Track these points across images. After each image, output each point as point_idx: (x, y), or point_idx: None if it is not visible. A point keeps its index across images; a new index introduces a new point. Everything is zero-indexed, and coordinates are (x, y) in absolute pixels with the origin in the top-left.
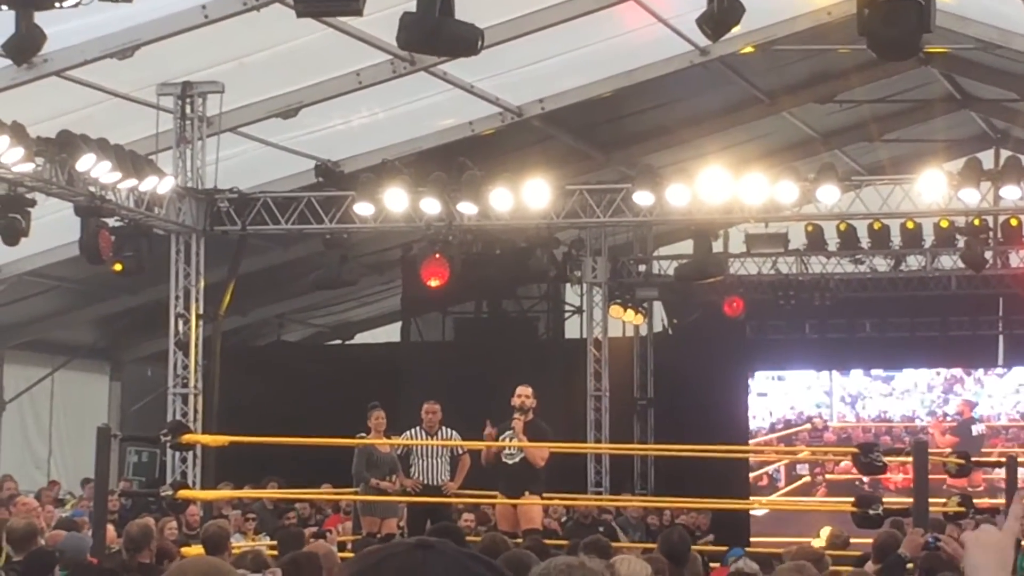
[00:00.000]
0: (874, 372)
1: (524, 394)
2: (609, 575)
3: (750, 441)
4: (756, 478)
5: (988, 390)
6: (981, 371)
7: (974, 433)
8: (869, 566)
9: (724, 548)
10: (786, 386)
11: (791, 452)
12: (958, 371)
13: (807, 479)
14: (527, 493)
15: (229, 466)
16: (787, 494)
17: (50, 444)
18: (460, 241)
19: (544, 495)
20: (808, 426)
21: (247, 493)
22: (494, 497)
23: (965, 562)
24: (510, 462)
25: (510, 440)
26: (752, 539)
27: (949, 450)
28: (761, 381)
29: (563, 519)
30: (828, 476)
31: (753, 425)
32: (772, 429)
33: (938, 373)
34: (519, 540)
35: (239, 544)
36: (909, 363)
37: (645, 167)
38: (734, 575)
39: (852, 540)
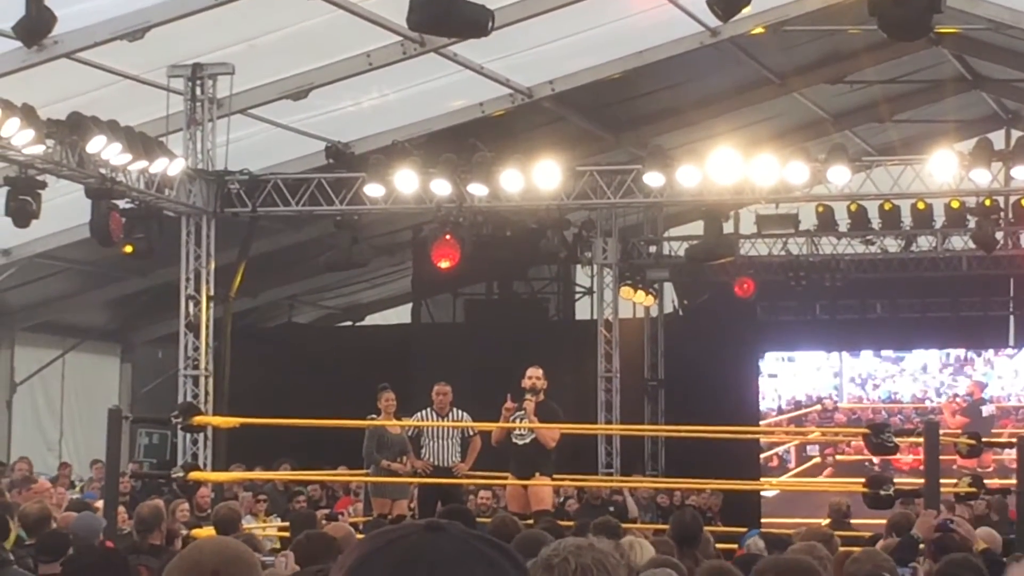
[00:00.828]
0: (884, 353)
1: (535, 375)
2: (619, 556)
3: (760, 422)
4: (766, 459)
5: (998, 371)
6: (991, 352)
7: (984, 414)
8: (881, 544)
9: (733, 529)
10: (796, 367)
11: (802, 432)
12: (969, 352)
13: (817, 460)
14: (537, 474)
15: (240, 448)
16: (797, 475)
17: (61, 426)
18: (470, 222)
19: (554, 476)
20: (818, 407)
21: (258, 475)
22: (505, 478)
23: None
24: (520, 443)
25: (521, 421)
26: (763, 520)
27: (960, 431)
28: (771, 362)
29: (565, 500)
30: (838, 457)
31: (763, 406)
32: (780, 411)
33: (948, 354)
34: (529, 521)
35: (250, 526)
36: (920, 344)
37: (655, 148)
38: (746, 557)
39: (861, 521)
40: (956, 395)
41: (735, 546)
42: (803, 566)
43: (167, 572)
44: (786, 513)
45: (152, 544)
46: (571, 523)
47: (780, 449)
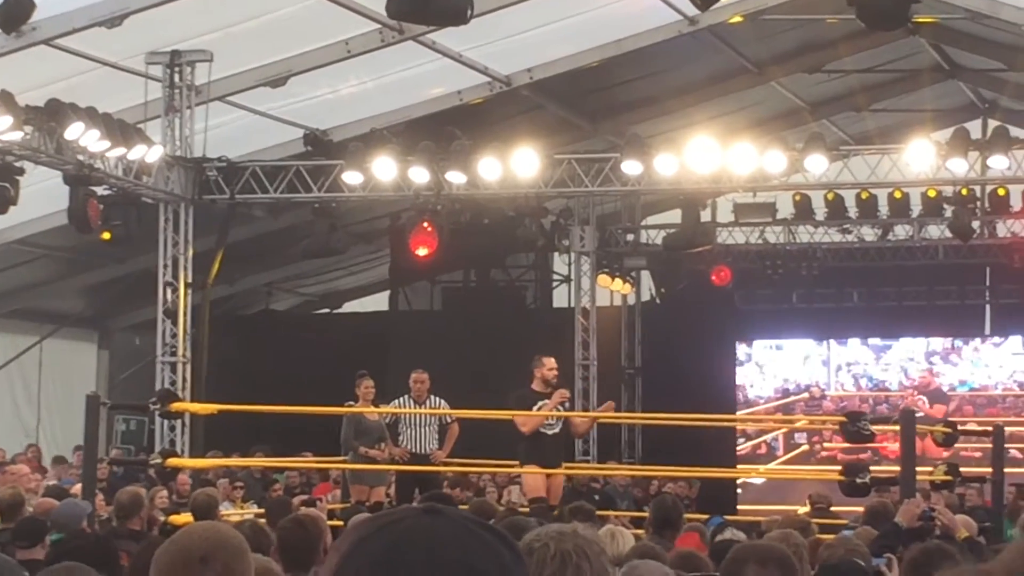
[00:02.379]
0: (871, 342)
1: (554, 366)
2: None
3: (748, 410)
4: (755, 447)
5: (985, 359)
6: (978, 340)
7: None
8: (861, 532)
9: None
10: (784, 355)
11: (781, 421)
12: (956, 340)
13: (805, 447)
14: (563, 464)
15: (217, 434)
16: (785, 463)
17: (39, 412)
18: (448, 210)
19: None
20: (806, 395)
21: (236, 462)
22: (483, 466)
23: None
24: (550, 432)
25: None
26: (745, 507)
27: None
28: (759, 350)
29: None
30: (826, 444)
31: (752, 394)
32: (745, 403)
33: (933, 342)
34: (524, 508)
35: (228, 512)
36: (896, 333)
37: (633, 136)
38: (720, 543)
39: (837, 508)
40: (914, 387)
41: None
42: (779, 553)
43: (156, 558)
44: (771, 500)
45: (132, 529)
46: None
47: (768, 437)
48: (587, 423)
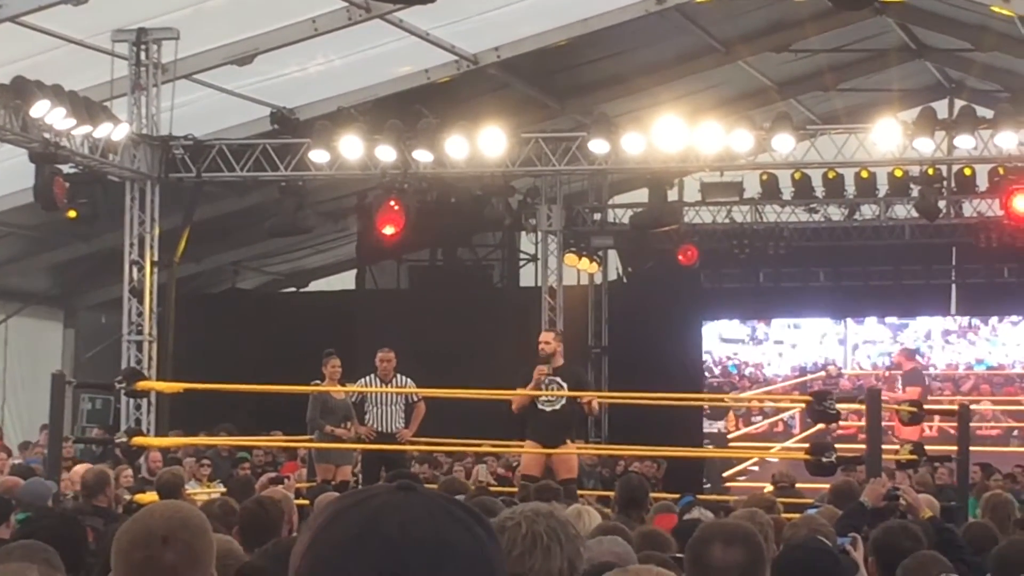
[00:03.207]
0: (888, 320)
1: (544, 340)
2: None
3: (764, 388)
4: (771, 425)
5: (1002, 338)
6: (996, 319)
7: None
8: (826, 511)
9: (677, 496)
10: (802, 334)
11: (746, 399)
12: (974, 319)
13: (822, 426)
14: (567, 442)
15: (183, 413)
16: (800, 441)
17: (3, 391)
18: (415, 189)
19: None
20: (822, 373)
21: (201, 440)
22: (449, 445)
23: None
24: (548, 409)
25: (548, 387)
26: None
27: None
28: (778, 329)
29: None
30: (842, 423)
31: (769, 372)
32: (763, 381)
33: (954, 319)
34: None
35: (195, 491)
36: (863, 312)
37: (601, 115)
38: (686, 523)
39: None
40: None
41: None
42: (745, 532)
43: (117, 537)
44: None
45: (98, 506)
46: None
47: (785, 415)
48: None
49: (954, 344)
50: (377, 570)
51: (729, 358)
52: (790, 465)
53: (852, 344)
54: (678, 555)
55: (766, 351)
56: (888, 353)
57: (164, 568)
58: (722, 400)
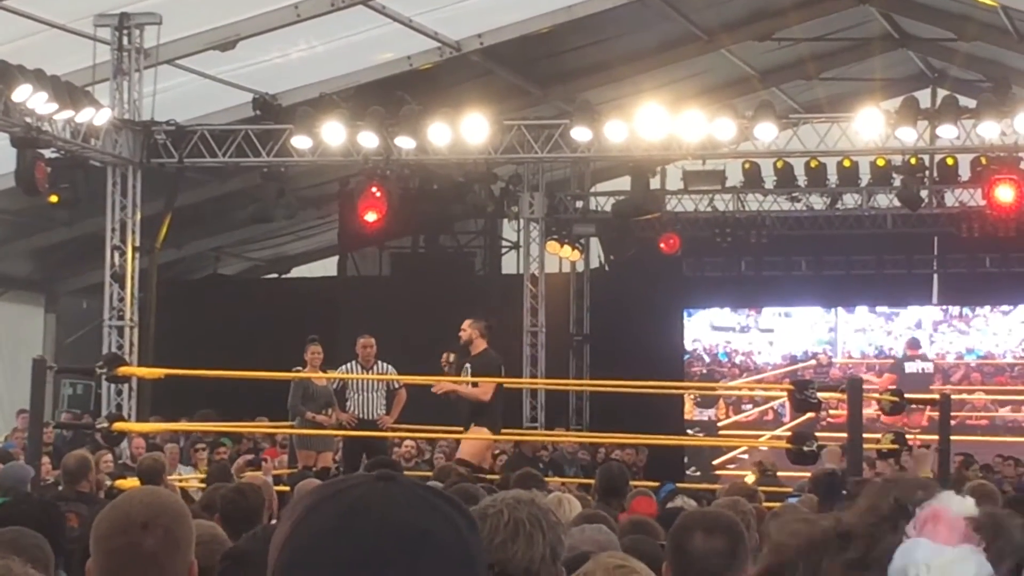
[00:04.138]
0: (879, 309)
1: (462, 328)
2: (557, 516)
3: (755, 377)
4: (761, 413)
5: (993, 327)
6: (988, 308)
7: (906, 371)
8: (806, 499)
9: (658, 484)
10: (792, 323)
11: (727, 388)
12: (965, 308)
13: (811, 414)
14: (473, 426)
15: (164, 399)
16: (791, 429)
17: None
18: (397, 176)
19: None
20: (813, 362)
21: (184, 426)
22: (430, 432)
23: None
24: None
25: (461, 374)
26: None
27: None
28: (768, 318)
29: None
30: (832, 412)
31: (759, 361)
32: (754, 369)
33: (944, 310)
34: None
35: (187, 477)
36: (845, 301)
37: (583, 103)
38: (670, 511)
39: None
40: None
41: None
42: (727, 520)
43: (96, 523)
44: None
45: (80, 492)
46: (496, 476)
47: (776, 403)
48: (480, 389)
49: (945, 334)
50: (357, 561)
51: (720, 346)
52: (776, 453)
53: (843, 333)
54: (663, 543)
55: (755, 340)
56: (880, 346)
57: (144, 554)
58: (711, 388)
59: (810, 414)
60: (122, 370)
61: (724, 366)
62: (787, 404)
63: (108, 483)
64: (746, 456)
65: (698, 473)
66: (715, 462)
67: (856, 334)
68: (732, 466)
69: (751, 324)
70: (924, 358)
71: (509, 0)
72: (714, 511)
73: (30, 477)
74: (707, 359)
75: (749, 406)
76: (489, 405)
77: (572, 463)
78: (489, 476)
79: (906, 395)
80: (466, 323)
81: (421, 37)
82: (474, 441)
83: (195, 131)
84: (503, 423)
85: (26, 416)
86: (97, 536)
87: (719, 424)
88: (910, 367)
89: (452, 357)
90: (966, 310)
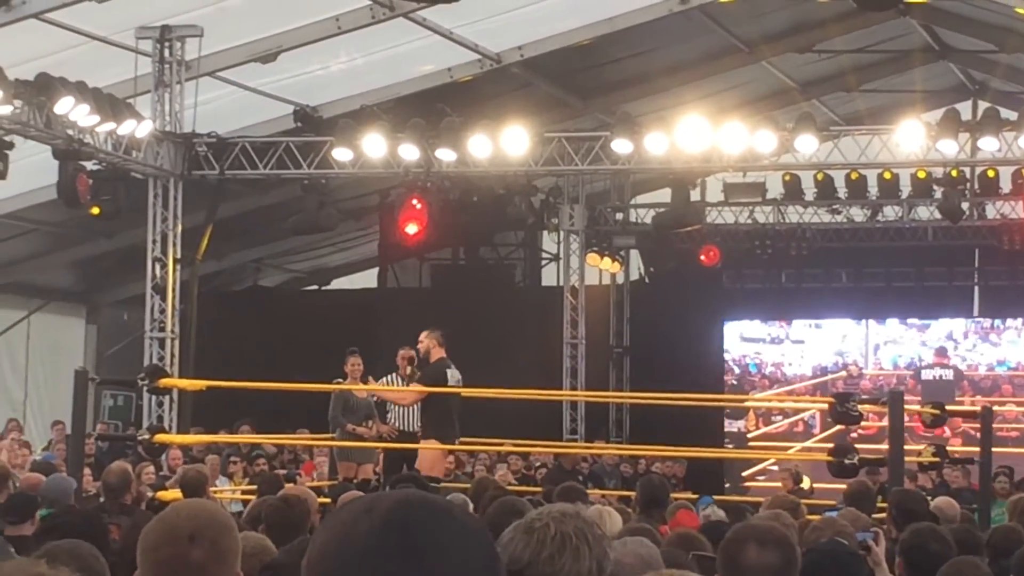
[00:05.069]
0: (910, 320)
1: (419, 339)
2: (602, 529)
3: (785, 388)
4: (792, 424)
5: None
6: (1021, 320)
7: (923, 377)
8: (848, 513)
9: (697, 497)
10: (823, 334)
11: (764, 400)
12: (996, 320)
13: (841, 426)
14: (422, 439)
15: (205, 411)
16: (821, 441)
17: (26, 387)
18: (438, 188)
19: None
20: (843, 373)
21: (224, 438)
22: (470, 444)
23: None
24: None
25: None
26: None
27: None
28: (798, 329)
29: (537, 467)
30: (863, 423)
31: (790, 372)
32: (784, 380)
33: (976, 322)
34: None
35: (223, 489)
36: (885, 313)
37: (624, 115)
38: (715, 524)
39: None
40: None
41: None
42: (780, 534)
43: (143, 536)
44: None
45: (123, 504)
46: (539, 489)
47: (805, 415)
48: (398, 395)
49: (976, 345)
50: None
51: (749, 357)
52: (810, 466)
53: (873, 344)
54: (709, 555)
55: (786, 351)
56: (912, 358)
57: (190, 566)
58: (743, 401)
59: (839, 426)
60: (164, 382)
61: (754, 377)
62: (817, 416)
63: (150, 495)
64: (776, 468)
65: (727, 485)
66: (744, 473)
67: (888, 345)
68: (762, 478)
69: (782, 335)
70: (945, 366)
71: (550, 12)
72: (766, 524)
73: (73, 489)
74: (737, 370)
75: (779, 417)
76: (433, 416)
77: (612, 475)
78: (444, 484)
79: (947, 407)
80: (423, 335)
81: (461, 49)
82: (428, 453)
83: (236, 143)
84: (548, 434)
85: (61, 428)
86: (144, 548)
87: (749, 435)
88: (927, 374)
89: (409, 369)
90: (997, 322)
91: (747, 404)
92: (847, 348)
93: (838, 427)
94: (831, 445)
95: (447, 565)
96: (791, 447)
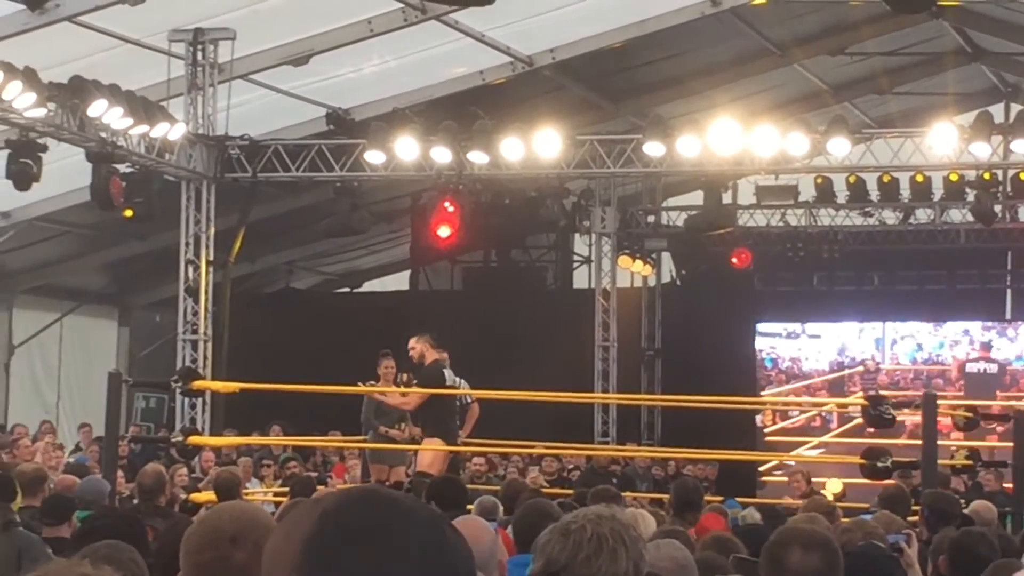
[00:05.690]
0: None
1: (410, 346)
2: (638, 530)
3: (803, 383)
4: (809, 419)
5: None
6: None
7: (967, 370)
8: (881, 516)
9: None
10: (838, 328)
11: (802, 403)
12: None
13: (859, 420)
14: (426, 438)
15: (237, 413)
16: (839, 435)
17: (58, 389)
18: (470, 190)
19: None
20: (860, 368)
21: (258, 440)
22: (502, 446)
23: None
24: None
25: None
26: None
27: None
28: (815, 323)
29: (570, 469)
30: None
31: (806, 367)
32: (801, 375)
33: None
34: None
35: (254, 490)
36: (916, 316)
37: (655, 118)
38: (750, 527)
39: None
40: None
41: None
42: (823, 537)
43: (186, 538)
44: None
45: (157, 506)
46: (571, 491)
47: (824, 409)
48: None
49: (993, 340)
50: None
51: (765, 352)
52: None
53: (891, 339)
54: (750, 558)
55: (803, 345)
56: (930, 353)
57: (233, 568)
58: (777, 404)
59: (857, 420)
60: (197, 384)
61: (770, 372)
62: (834, 411)
63: (183, 497)
64: (792, 463)
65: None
66: (761, 468)
67: (904, 340)
68: (778, 472)
69: (798, 330)
70: (990, 360)
71: (581, 15)
72: (810, 528)
73: (107, 491)
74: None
75: (796, 412)
76: (435, 416)
77: (644, 478)
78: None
79: (980, 411)
80: (412, 340)
81: (493, 52)
82: (429, 452)
83: (269, 146)
84: (580, 436)
85: (88, 431)
86: (187, 550)
87: (765, 431)
88: (971, 367)
89: (406, 377)
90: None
91: (779, 407)
92: (863, 343)
93: (855, 422)
94: (849, 441)
95: (386, 549)
96: (808, 442)
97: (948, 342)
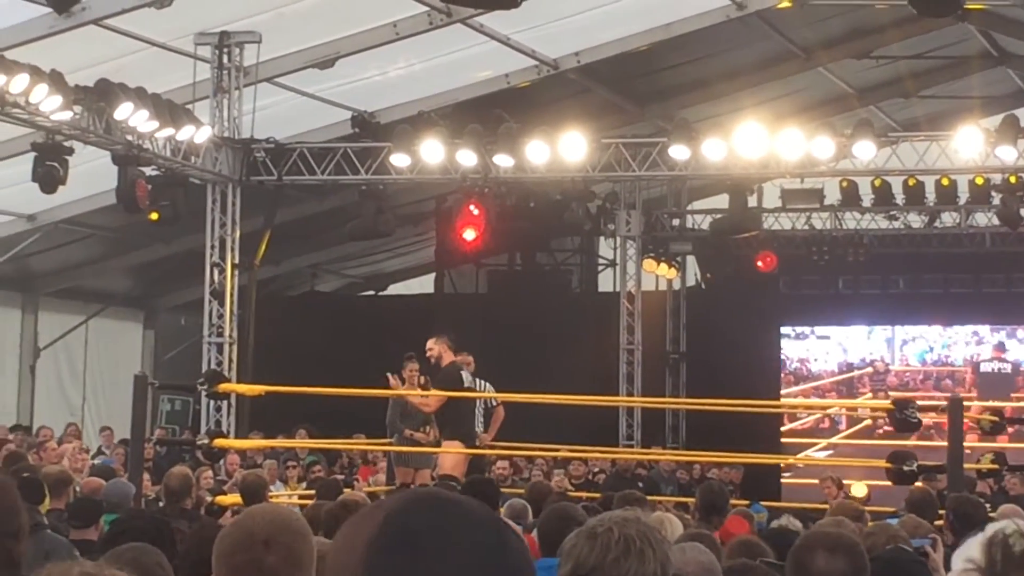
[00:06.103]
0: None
1: (428, 348)
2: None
3: (812, 384)
4: (817, 420)
5: None
6: None
7: (982, 370)
8: (907, 520)
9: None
10: (848, 330)
11: (822, 406)
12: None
13: (868, 422)
14: (444, 441)
15: (262, 416)
16: (848, 436)
17: (84, 391)
18: (495, 193)
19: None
20: (869, 369)
21: (284, 443)
22: (528, 449)
23: None
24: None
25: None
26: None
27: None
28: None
29: (596, 472)
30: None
31: (815, 368)
32: (809, 376)
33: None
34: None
35: (279, 493)
36: (941, 320)
37: (681, 121)
38: (776, 531)
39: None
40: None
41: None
42: (849, 541)
43: (219, 540)
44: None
45: (183, 508)
46: (598, 494)
47: (832, 411)
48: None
49: (1005, 342)
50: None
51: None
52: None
53: (900, 340)
54: (777, 562)
55: (811, 346)
56: (940, 354)
57: (265, 571)
58: (803, 408)
59: (867, 422)
60: (223, 387)
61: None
62: (857, 414)
63: (208, 499)
64: (802, 465)
65: None
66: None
67: (916, 341)
68: (787, 474)
69: (806, 331)
70: (1003, 360)
71: (607, 18)
72: (836, 532)
73: (133, 493)
74: None
75: (804, 413)
76: (453, 418)
77: (669, 482)
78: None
79: (1007, 416)
80: (430, 342)
81: (519, 55)
82: (451, 455)
83: (294, 149)
84: (604, 440)
85: (109, 434)
86: (219, 553)
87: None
88: (985, 367)
89: (423, 379)
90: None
91: (806, 411)
92: (873, 344)
93: (864, 423)
94: (857, 443)
95: (450, 550)
96: (817, 443)
97: (952, 342)
